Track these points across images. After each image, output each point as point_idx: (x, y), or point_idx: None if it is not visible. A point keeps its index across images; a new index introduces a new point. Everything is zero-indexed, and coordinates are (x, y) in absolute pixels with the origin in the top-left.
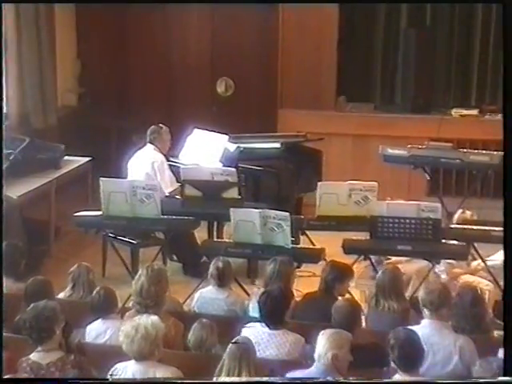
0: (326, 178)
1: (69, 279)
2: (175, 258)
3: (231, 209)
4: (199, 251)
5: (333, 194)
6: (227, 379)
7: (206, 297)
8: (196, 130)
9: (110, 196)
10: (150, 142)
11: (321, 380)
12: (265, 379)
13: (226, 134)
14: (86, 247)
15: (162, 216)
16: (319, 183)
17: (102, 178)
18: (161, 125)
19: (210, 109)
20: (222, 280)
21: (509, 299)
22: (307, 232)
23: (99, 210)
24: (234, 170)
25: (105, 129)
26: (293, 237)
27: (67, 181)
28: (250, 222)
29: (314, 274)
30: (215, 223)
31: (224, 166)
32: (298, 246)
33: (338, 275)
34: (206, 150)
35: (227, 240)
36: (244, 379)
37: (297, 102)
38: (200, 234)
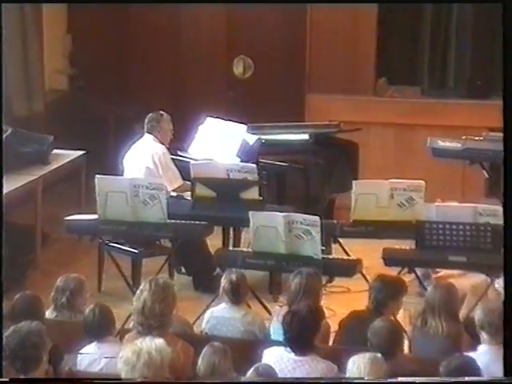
0: (362, 176)
1: (52, 295)
2: (184, 270)
3: (250, 212)
4: (212, 262)
5: (371, 195)
6: None
7: (219, 316)
8: (209, 119)
9: (108, 197)
10: (149, 132)
11: (321, 380)
12: (265, 379)
13: (244, 123)
14: (78, 257)
15: (168, 220)
16: (355, 182)
17: (97, 176)
18: (161, 112)
19: (225, 93)
20: (237, 296)
21: (509, 299)
22: (340, 240)
23: (94, 214)
24: (253, 166)
25: (101, 117)
26: (323, 245)
27: (56, 178)
28: (272, 227)
29: (349, 290)
30: (231, 229)
31: (242, 161)
32: (330, 256)
33: (391, 291)
34: (221, 143)
35: (245, 249)
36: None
37: (328, 86)
38: (213, 242)
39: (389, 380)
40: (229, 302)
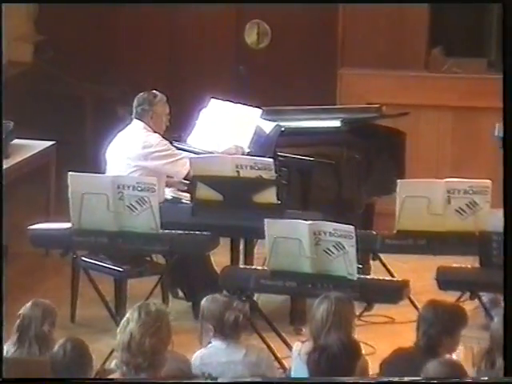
0: (410, 174)
1: (15, 326)
2: (181, 293)
3: (266, 220)
4: (217, 283)
5: (421, 199)
6: None
7: (213, 363)
8: (213, 101)
9: (84, 200)
10: (138, 118)
11: (321, 380)
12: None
13: (258, 106)
14: (46, 277)
15: (161, 230)
16: (400, 182)
17: (70, 173)
18: (154, 91)
19: (234, 68)
20: (238, 331)
21: (509, 299)
22: (382, 256)
23: (67, 222)
24: (270, 160)
25: (76, 98)
26: (359, 263)
27: (18, 176)
28: (294, 239)
29: (393, 320)
30: (242, 241)
31: (255, 154)
32: (368, 276)
33: (447, 323)
34: (229, 131)
35: (260, 267)
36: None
37: (366, 58)
38: (218, 258)
39: (389, 380)
40: (225, 340)
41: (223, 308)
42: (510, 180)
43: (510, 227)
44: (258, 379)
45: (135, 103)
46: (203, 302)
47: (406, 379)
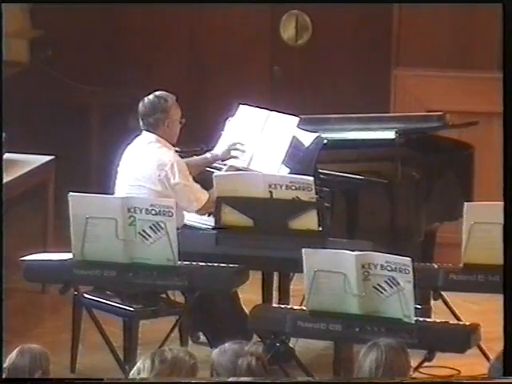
0: (480, 196)
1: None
2: (203, 338)
3: (304, 250)
4: (247, 326)
5: (494, 225)
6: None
7: None
8: (242, 108)
9: (88, 225)
10: (151, 131)
11: (321, 380)
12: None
13: (295, 114)
14: (42, 318)
15: (179, 262)
16: (468, 205)
17: (72, 194)
18: (160, 93)
19: (267, 69)
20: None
21: (509, 299)
22: (445, 294)
23: (67, 251)
24: (310, 179)
25: (79, 103)
26: (418, 303)
27: (10, 197)
28: (338, 273)
29: (459, 373)
30: (275, 276)
31: (292, 171)
32: (428, 319)
33: None
34: (261, 144)
35: (297, 307)
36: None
37: (427, 56)
38: (248, 296)
39: (389, 380)
40: None
41: (234, 357)
42: (510, 180)
43: (510, 227)
44: None
45: (144, 112)
46: (213, 355)
47: (405, 380)
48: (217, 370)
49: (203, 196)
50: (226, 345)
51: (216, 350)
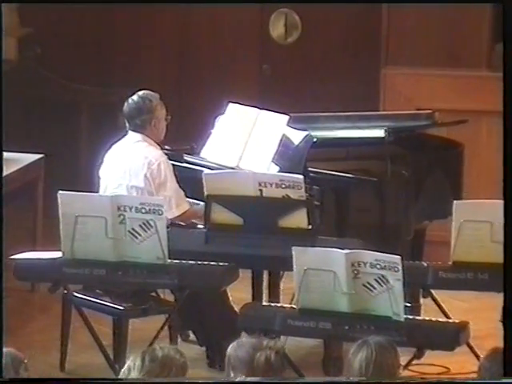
0: (469, 194)
1: None
2: (193, 336)
3: (294, 248)
4: (236, 324)
5: (483, 224)
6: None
7: None
8: (231, 107)
9: (77, 224)
10: (138, 131)
11: (320, 380)
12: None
13: (285, 112)
14: (32, 317)
15: (169, 260)
16: (457, 203)
17: (61, 192)
18: (144, 92)
19: (256, 67)
20: (270, 374)
21: (509, 299)
22: (434, 292)
23: (57, 250)
24: (300, 177)
25: (68, 102)
26: (407, 301)
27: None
28: (328, 271)
29: (448, 371)
30: (265, 274)
31: (282, 170)
32: (418, 317)
33: None
34: (250, 142)
35: (286, 305)
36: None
37: (416, 55)
38: (237, 294)
39: (389, 380)
40: None
41: (252, 351)
42: (510, 179)
43: (510, 226)
44: None
45: (130, 114)
46: (229, 350)
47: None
48: (233, 364)
49: (184, 205)
50: (243, 339)
51: (232, 344)
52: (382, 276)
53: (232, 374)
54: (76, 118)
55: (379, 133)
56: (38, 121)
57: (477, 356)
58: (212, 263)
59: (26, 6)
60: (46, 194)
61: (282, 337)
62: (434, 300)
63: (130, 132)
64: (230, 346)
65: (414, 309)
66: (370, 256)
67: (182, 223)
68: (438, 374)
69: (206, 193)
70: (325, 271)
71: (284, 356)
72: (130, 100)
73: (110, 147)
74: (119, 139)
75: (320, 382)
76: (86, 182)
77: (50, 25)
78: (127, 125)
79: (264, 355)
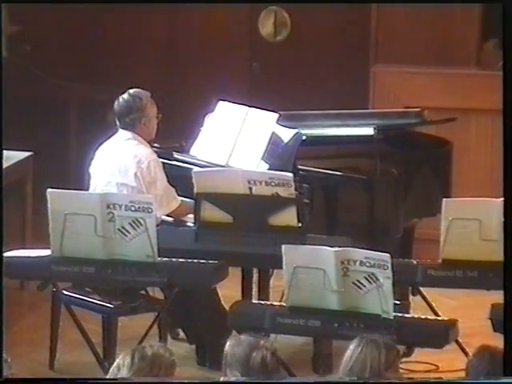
0: (458, 192)
1: None
2: (183, 334)
3: (284, 246)
4: (226, 322)
5: (472, 221)
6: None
7: None
8: (221, 105)
9: (66, 222)
10: (128, 129)
11: (320, 380)
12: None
13: (274, 110)
14: (21, 315)
15: (159, 258)
16: (446, 201)
17: (50, 190)
18: (134, 91)
19: (246, 65)
20: (266, 374)
21: (509, 299)
22: (423, 290)
23: (46, 248)
24: (289, 175)
25: (57, 100)
26: (397, 298)
27: None
28: (318, 269)
29: (437, 369)
30: (255, 272)
31: (271, 168)
32: (408, 315)
33: (502, 372)
34: (240, 140)
35: (276, 303)
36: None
37: (405, 53)
38: (227, 292)
39: (388, 380)
40: None
41: (249, 349)
42: (510, 179)
43: (509, 226)
44: None
45: (120, 112)
46: (226, 347)
47: (406, 380)
48: (229, 361)
49: (174, 202)
50: (242, 336)
51: (230, 341)
52: (372, 274)
53: (228, 372)
54: (65, 116)
55: (368, 131)
56: (28, 118)
57: (466, 353)
58: (202, 261)
59: (15, 3)
60: (35, 192)
61: (271, 335)
62: (424, 298)
63: (120, 130)
64: (228, 343)
65: (404, 306)
66: (359, 254)
67: (171, 219)
68: (427, 371)
69: (195, 191)
70: (314, 269)
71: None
72: (120, 98)
73: (99, 145)
74: (109, 137)
75: (318, 382)
76: (76, 179)
77: (40, 23)
78: (117, 123)
79: (260, 355)
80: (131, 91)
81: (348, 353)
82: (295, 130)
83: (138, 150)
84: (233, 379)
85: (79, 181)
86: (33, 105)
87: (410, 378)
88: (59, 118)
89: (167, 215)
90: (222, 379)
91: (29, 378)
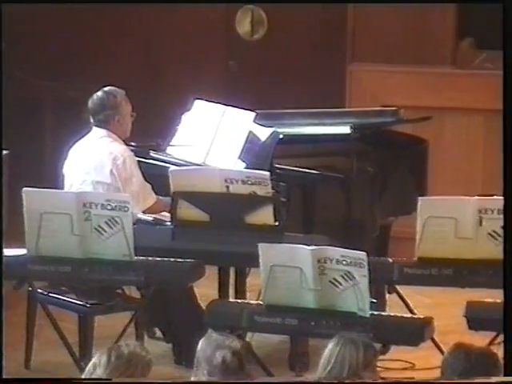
0: (434, 190)
1: None
2: (159, 333)
3: (261, 245)
4: (203, 321)
5: (447, 220)
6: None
7: None
8: (198, 103)
9: (42, 221)
10: (102, 127)
11: (320, 380)
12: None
13: (251, 109)
14: None
15: (136, 257)
16: (422, 199)
17: (26, 189)
18: (109, 88)
19: (222, 64)
20: (226, 374)
21: (509, 299)
22: (399, 288)
23: (21, 247)
24: (266, 173)
25: (32, 98)
26: (373, 296)
27: None
28: (294, 268)
29: (413, 366)
30: (232, 270)
31: (248, 166)
32: (384, 313)
33: (477, 369)
34: (216, 138)
35: (253, 301)
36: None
37: (381, 51)
38: (204, 291)
39: (388, 380)
40: None
41: (214, 347)
42: (510, 179)
43: (509, 226)
44: None
45: (94, 109)
46: (201, 341)
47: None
48: (198, 357)
49: (151, 198)
50: (214, 334)
51: (202, 339)
52: (348, 272)
53: (196, 370)
54: (40, 114)
55: (345, 129)
56: (1, 117)
57: (441, 351)
58: (178, 260)
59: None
60: (10, 191)
61: (248, 333)
62: (399, 296)
63: (95, 128)
64: (203, 338)
65: (380, 304)
66: (335, 252)
67: (149, 218)
68: (403, 369)
69: (172, 189)
70: (291, 267)
71: (250, 353)
72: (94, 96)
73: (73, 144)
74: (84, 135)
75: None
76: (51, 178)
77: (14, 20)
78: (91, 120)
79: (221, 355)
80: (105, 89)
81: (326, 352)
82: (272, 129)
83: (113, 147)
84: (203, 379)
85: (55, 179)
86: (6, 103)
87: (383, 378)
88: (34, 116)
89: (143, 212)
90: (192, 379)
91: (29, 378)
